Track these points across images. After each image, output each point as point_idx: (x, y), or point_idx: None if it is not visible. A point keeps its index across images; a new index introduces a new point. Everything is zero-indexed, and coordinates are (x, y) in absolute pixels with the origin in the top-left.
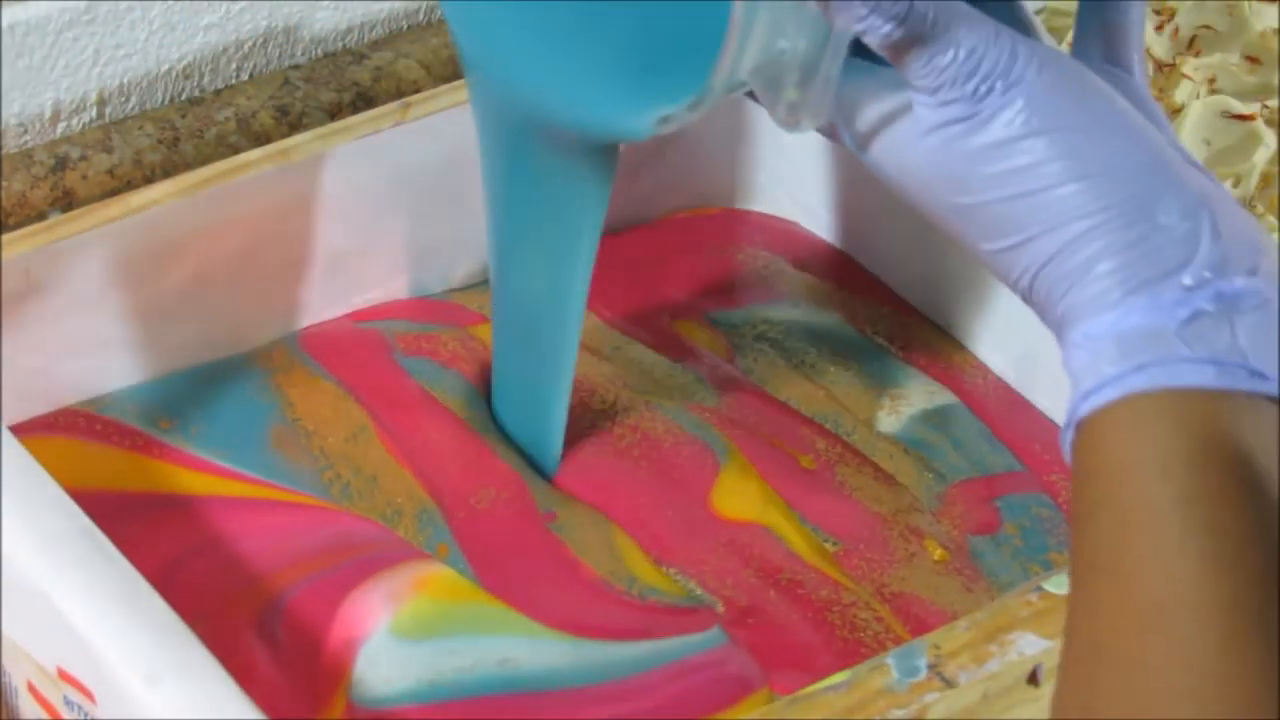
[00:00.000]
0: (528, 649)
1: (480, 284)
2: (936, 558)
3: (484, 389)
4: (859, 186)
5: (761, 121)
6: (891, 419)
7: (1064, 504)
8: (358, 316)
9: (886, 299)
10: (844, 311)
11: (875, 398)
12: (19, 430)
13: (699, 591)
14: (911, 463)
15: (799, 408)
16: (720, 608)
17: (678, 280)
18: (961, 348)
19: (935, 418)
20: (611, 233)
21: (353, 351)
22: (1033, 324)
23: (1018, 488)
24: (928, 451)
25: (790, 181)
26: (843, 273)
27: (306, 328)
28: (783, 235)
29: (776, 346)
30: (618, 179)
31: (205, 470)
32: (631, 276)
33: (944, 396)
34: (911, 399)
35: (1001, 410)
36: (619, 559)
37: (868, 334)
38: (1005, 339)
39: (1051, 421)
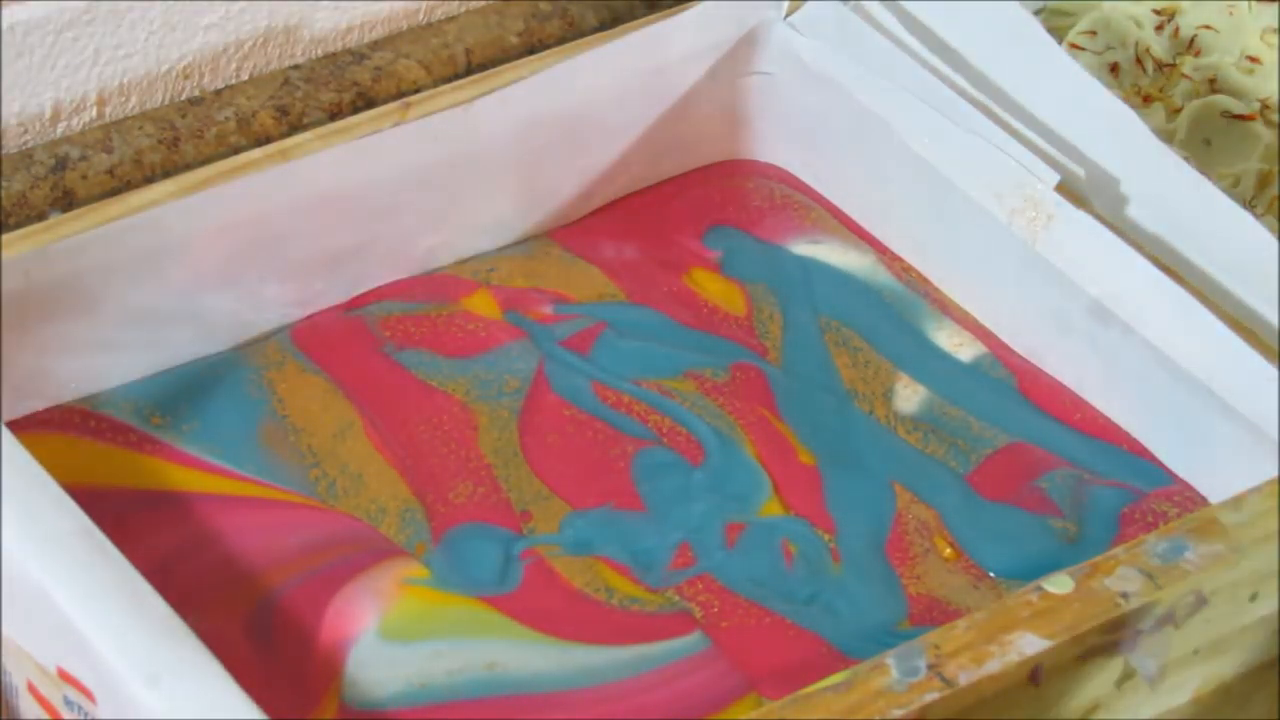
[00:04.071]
0: (514, 652)
1: (472, 258)
2: (946, 556)
3: (472, 369)
4: (863, 148)
5: (765, 84)
6: (909, 393)
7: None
8: (347, 305)
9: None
10: (873, 251)
11: (892, 370)
12: (14, 426)
13: (677, 599)
14: (935, 441)
15: (812, 379)
16: (698, 613)
17: (687, 229)
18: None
19: (954, 388)
20: (615, 199)
21: (342, 345)
22: (1027, 301)
23: (1048, 464)
24: (948, 429)
25: (794, 141)
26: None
27: (297, 321)
28: (792, 182)
29: (792, 299)
30: (622, 146)
31: (196, 467)
32: (638, 238)
33: (972, 349)
34: (931, 368)
35: (1029, 368)
36: (594, 571)
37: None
38: (1015, 321)
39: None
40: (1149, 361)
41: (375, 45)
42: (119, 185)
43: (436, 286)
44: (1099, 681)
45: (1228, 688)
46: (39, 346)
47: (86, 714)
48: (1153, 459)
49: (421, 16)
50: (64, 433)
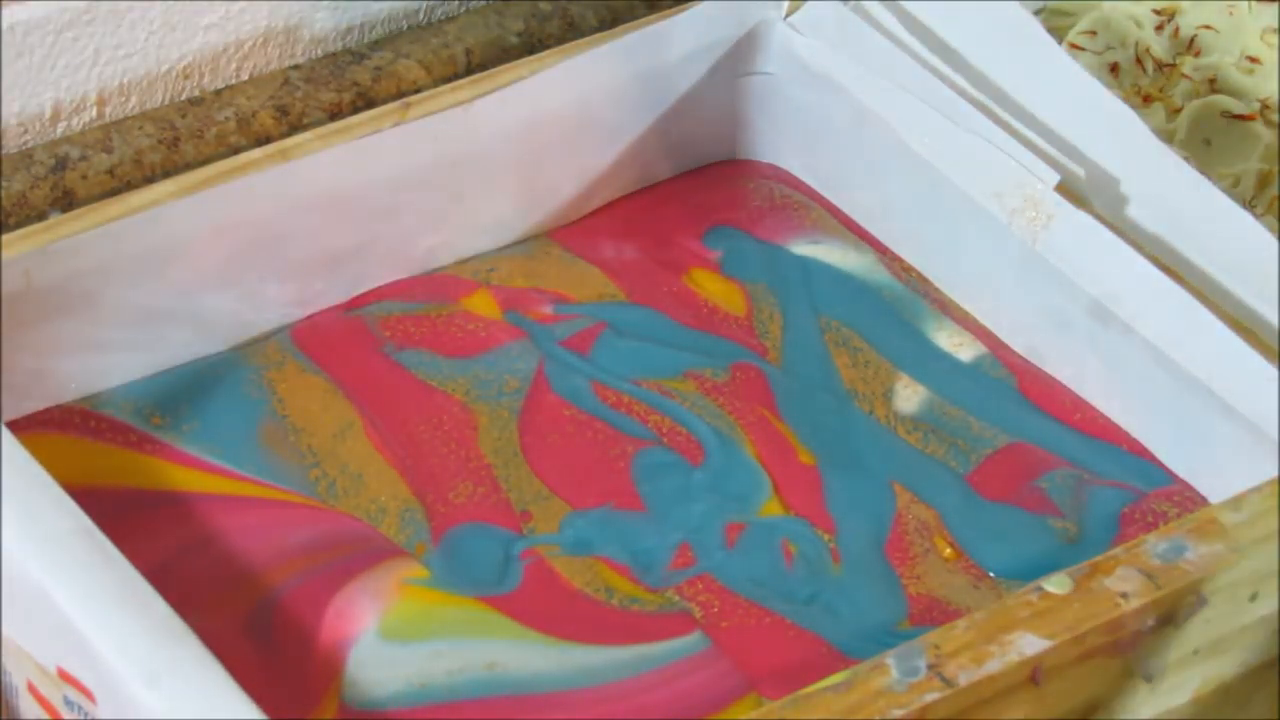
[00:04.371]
0: (514, 652)
1: (472, 258)
2: (946, 556)
3: (472, 369)
4: (863, 148)
5: (765, 84)
6: (909, 393)
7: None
8: (347, 305)
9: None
10: (873, 251)
11: (892, 370)
12: (13, 426)
13: (677, 599)
14: (935, 441)
15: (812, 379)
16: (698, 613)
17: (687, 229)
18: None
19: (954, 388)
20: (615, 199)
21: (342, 345)
22: (1027, 301)
23: (1050, 464)
24: (948, 429)
25: (794, 141)
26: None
27: (297, 321)
28: (792, 182)
29: (792, 299)
30: (622, 146)
31: (196, 467)
32: (638, 238)
33: (972, 349)
34: (931, 368)
35: (1029, 368)
36: (594, 571)
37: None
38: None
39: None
40: (1149, 361)
41: (375, 45)
42: (119, 185)
43: (436, 286)
44: (1099, 681)
45: (1228, 688)
46: (39, 346)
47: (86, 714)
48: (1153, 459)
49: (421, 16)
50: (64, 433)
